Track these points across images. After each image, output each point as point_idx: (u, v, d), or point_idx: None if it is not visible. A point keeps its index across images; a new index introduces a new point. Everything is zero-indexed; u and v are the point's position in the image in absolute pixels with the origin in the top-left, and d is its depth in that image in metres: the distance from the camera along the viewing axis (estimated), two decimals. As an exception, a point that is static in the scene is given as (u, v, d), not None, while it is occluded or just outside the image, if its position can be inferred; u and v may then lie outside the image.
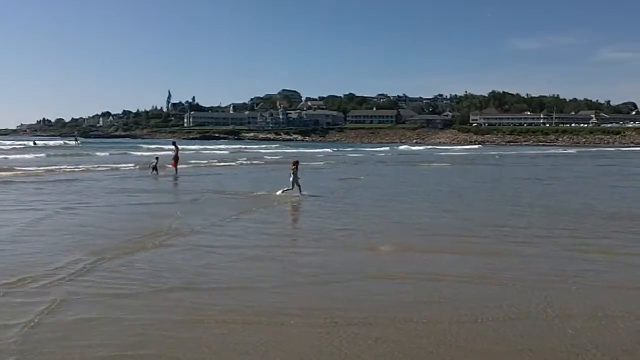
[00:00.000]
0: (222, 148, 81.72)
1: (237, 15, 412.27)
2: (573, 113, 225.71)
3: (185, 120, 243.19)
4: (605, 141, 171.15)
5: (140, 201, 18.82)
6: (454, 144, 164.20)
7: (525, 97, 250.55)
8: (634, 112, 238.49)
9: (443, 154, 79.32)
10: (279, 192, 20.25)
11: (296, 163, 20.73)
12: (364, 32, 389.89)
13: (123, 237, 11.97)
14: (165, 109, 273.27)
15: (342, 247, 11.34)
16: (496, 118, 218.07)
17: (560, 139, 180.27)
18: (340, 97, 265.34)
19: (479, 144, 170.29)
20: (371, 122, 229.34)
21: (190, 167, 39.65)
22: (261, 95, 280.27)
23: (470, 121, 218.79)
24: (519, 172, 39.16)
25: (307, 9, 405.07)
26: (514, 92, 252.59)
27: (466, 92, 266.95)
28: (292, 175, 20.36)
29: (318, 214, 16.17)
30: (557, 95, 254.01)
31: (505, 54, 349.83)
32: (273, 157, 58.04)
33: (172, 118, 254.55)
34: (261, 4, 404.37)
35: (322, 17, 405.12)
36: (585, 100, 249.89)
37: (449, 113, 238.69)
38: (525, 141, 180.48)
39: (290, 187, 20.24)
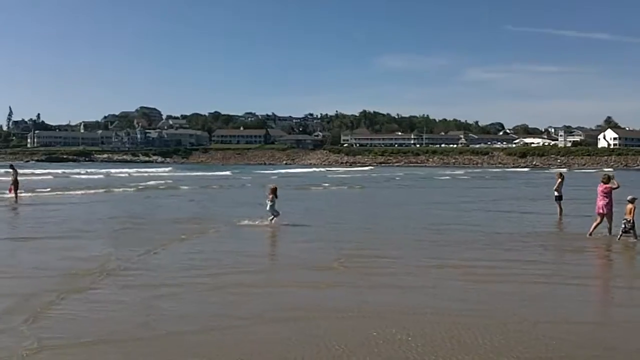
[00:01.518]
0: (88, 172, 74.75)
1: (82, 17, 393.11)
2: (443, 133, 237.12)
3: (29, 140, 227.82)
4: (474, 162, 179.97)
5: None
6: (325, 165, 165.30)
7: (396, 117, 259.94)
8: (501, 132, 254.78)
9: (331, 176, 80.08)
10: (258, 222, 20.51)
11: (274, 190, 20.83)
12: (231, 45, 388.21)
13: None
14: (5, 128, 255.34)
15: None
16: (367, 138, 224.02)
17: (430, 159, 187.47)
18: (205, 115, 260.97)
19: (350, 165, 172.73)
20: (238, 142, 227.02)
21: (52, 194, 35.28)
22: (116, 113, 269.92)
23: (342, 141, 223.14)
24: (437, 196, 38.82)
25: (167, 17, 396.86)
26: (385, 112, 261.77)
27: (337, 111, 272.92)
28: (269, 203, 20.60)
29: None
30: (427, 115, 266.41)
31: (376, 73, 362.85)
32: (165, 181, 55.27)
33: (14, 138, 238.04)
34: (118, 5, 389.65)
35: (185, 28, 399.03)
36: (455, 120, 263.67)
37: (320, 133, 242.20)
38: (396, 162, 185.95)
39: (276, 214, 20.50)
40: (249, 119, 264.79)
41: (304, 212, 25.63)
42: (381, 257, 14.33)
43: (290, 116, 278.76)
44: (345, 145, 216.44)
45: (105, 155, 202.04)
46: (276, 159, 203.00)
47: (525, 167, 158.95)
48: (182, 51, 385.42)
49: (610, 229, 18.28)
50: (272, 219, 20.52)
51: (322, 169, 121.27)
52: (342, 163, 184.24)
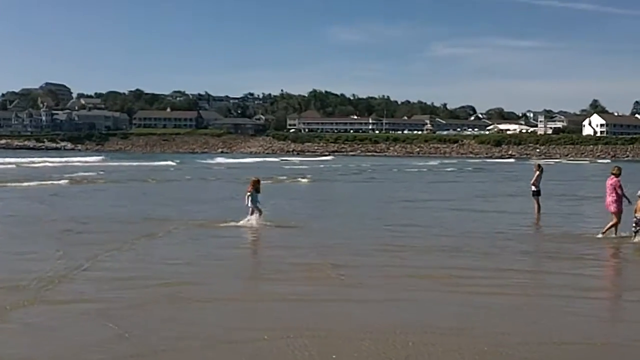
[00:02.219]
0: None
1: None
2: (406, 118, 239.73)
3: None
4: (442, 151, 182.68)
5: None
6: (268, 154, 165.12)
7: (352, 98, 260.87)
8: (472, 117, 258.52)
9: (288, 167, 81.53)
10: (241, 222, 20.70)
11: (256, 182, 21.26)
12: (154, 11, 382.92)
13: None
14: None
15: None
16: (318, 122, 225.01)
17: (391, 147, 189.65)
18: (124, 94, 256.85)
19: (298, 153, 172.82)
20: (164, 126, 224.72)
21: None
22: (17, 90, 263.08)
23: (288, 126, 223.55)
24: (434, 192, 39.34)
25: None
26: (339, 93, 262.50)
27: (282, 91, 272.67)
28: (248, 198, 20.94)
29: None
30: (388, 97, 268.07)
31: (328, 47, 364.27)
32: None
33: None
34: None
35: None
36: (420, 103, 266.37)
37: (262, 116, 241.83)
38: (351, 151, 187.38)
39: (257, 213, 20.84)
40: (178, 98, 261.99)
41: (281, 211, 25.42)
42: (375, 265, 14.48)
43: (227, 96, 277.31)
44: (292, 130, 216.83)
45: (3, 141, 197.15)
46: (210, 147, 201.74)
47: (509, 157, 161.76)
48: (94, 18, 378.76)
49: (615, 228, 18.69)
50: (254, 214, 20.84)
51: (274, 159, 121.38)
52: (288, 151, 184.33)
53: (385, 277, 12.95)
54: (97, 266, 14.00)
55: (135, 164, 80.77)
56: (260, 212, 21.07)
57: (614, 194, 18.65)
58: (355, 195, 38.85)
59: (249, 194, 21.17)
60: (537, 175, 26.03)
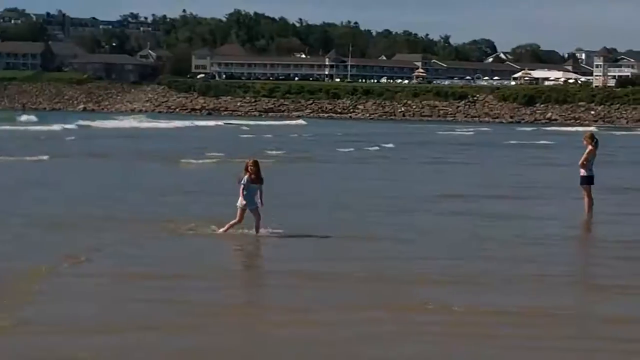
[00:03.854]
0: None
1: None
2: (384, 58, 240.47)
3: None
4: (441, 112, 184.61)
5: None
6: (162, 114, 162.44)
7: (297, 25, 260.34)
8: (490, 59, 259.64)
9: (246, 135, 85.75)
10: (221, 230, 21.40)
11: (253, 167, 21.15)
12: None
13: None
14: None
15: None
16: (243, 64, 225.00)
17: (360, 106, 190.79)
18: None
19: (209, 112, 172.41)
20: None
21: None
22: None
23: (194, 69, 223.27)
24: None
25: None
26: (276, 16, 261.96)
27: (185, 12, 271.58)
28: (242, 189, 21.04)
29: None
30: (356, 24, 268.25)
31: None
32: None
33: None
34: None
35: None
36: (406, 35, 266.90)
37: (151, 52, 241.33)
38: (296, 110, 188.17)
39: (256, 218, 21.27)
40: (13, 21, 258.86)
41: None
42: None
43: (93, 18, 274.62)
44: (200, 76, 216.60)
45: None
46: (66, 101, 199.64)
47: (547, 122, 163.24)
48: None
49: None
50: (257, 219, 21.33)
51: (179, 122, 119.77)
52: (194, 110, 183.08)
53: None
54: None
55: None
56: (258, 217, 21.27)
57: None
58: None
59: (242, 183, 21.07)
60: (589, 152, 25.69)
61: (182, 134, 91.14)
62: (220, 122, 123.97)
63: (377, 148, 69.94)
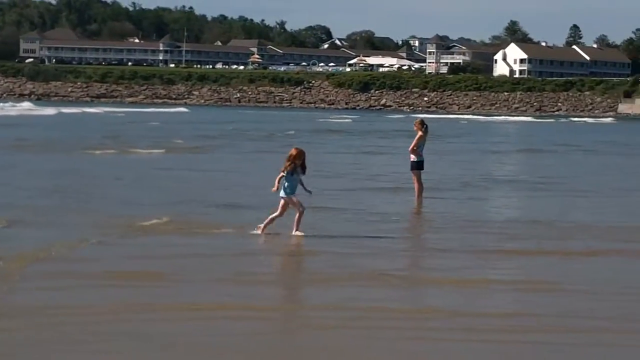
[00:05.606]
0: None
1: None
2: (219, 44, 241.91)
3: None
4: (277, 98, 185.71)
5: None
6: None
7: (131, 9, 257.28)
8: (326, 45, 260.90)
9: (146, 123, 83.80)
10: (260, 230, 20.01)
11: (298, 157, 19.79)
12: None
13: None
14: None
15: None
16: (74, 49, 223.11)
17: (196, 92, 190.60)
18: None
19: (39, 98, 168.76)
20: None
21: None
22: None
23: (22, 54, 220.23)
24: None
25: None
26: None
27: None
28: (284, 179, 19.83)
29: None
30: (190, 8, 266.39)
31: None
32: None
33: None
34: None
35: None
36: (243, 21, 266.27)
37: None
38: (129, 95, 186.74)
39: (298, 211, 19.82)
40: None
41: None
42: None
43: None
44: (29, 60, 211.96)
45: None
46: None
47: (381, 108, 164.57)
48: None
49: None
50: (299, 213, 20.01)
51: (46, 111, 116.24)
52: (22, 95, 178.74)
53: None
54: None
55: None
56: (301, 210, 19.97)
57: None
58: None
59: (283, 174, 19.92)
60: (419, 138, 25.82)
61: (57, 121, 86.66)
62: (93, 110, 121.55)
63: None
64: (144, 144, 52.92)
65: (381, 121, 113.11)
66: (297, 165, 19.89)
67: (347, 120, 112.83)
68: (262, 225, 20.02)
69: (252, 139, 64.96)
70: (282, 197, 19.81)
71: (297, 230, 19.78)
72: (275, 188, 20.04)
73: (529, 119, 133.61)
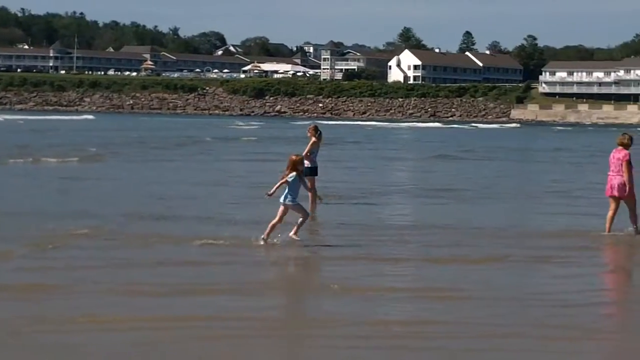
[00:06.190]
0: None
1: None
2: (112, 50, 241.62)
3: None
4: (171, 104, 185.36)
5: None
6: None
7: (20, 15, 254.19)
8: (220, 52, 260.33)
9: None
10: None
11: (298, 163, 19.95)
12: None
13: None
14: None
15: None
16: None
17: (87, 99, 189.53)
18: None
19: None
20: None
21: None
22: None
23: None
24: None
25: None
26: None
27: None
28: (287, 183, 19.83)
29: None
30: (81, 14, 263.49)
31: None
32: None
33: None
34: None
35: None
36: (135, 27, 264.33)
37: None
38: (19, 102, 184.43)
39: (301, 216, 19.95)
40: None
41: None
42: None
43: None
44: None
45: None
46: None
47: (276, 114, 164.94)
48: None
49: (635, 222, 21.29)
50: (304, 215, 20.12)
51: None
52: None
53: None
54: None
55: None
56: (305, 216, 20.09)
57: (621, 174, 20.84)
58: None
59: (290, 177, 19.85)
60: (312, 144, 25.84)
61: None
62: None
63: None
64: (53, 153, 51.20)
65: (287, 128, 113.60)
66: (300, 171, 20.11)
67: (254, 126, 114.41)
68: (264, 236, 19.98)
69: (162, 148, 64.72)
70: (283, 204, 19.87)
71: (295, 234, 19.77)
72: (271, 193, 20.14)
73: (424, 124, 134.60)
